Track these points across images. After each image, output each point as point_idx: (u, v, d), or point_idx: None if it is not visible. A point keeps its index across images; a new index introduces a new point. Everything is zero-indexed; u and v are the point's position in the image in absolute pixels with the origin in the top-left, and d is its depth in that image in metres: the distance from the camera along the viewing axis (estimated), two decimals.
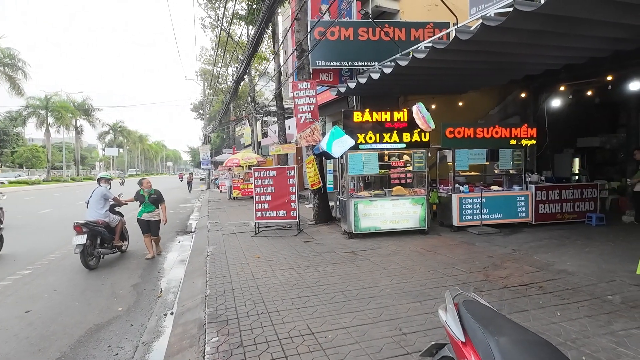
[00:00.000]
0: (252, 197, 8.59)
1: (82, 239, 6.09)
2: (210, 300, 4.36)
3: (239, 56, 19.80)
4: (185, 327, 3.83)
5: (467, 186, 8.11)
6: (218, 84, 29.78)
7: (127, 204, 7.48)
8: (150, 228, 7.10)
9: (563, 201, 8.34)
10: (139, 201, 7.15)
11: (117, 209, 7.44)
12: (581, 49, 5.99)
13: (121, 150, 73.67)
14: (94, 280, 5.85)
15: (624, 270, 4.95)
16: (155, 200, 7.11)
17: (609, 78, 8.51)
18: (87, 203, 6.91)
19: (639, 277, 4.64)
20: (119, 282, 5.70)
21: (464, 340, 1.61)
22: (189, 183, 26.46)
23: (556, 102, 10.12)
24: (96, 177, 7.63)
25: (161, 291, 5.31)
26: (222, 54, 19.73)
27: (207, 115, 35.11)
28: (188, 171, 30.03)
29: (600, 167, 11.70)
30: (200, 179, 40.44)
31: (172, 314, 4.43)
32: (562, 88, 9.69)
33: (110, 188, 7.31)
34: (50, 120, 45.15)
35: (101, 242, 6.68)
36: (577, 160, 12.26)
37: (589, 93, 9.71)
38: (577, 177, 10.54)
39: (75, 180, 48.40)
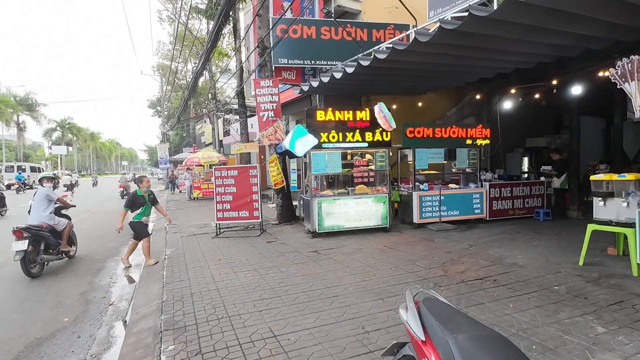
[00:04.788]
0: (214, 197, 8.32)
1: (23, 244, 5.58)
2: (167, 306, 4.15)
3: (198, 51, 19.15)
4: (139, 335, 3.61)
5: (426, 184, 8.36)
6: (177, 80, 28.67)
7: (75, 206, 6.95)
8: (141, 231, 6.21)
9: (514, 198, 8.85)
10: (136, 203, 6.17)
11: (63, 211, 6.91)
12: (530, 54, 6.36)
13: (70, 148, 68.79)
14: (36, 289, 5.38)
15: (568, 261, 5.32)
16: (153, 200, 6.35)
17: (554, 82, 9.11)
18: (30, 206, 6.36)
19: (581, 268, 5.01)
20: (66, 291, 5.28)
21: (424, 339, 1.62)
22: (172, 182, 23.48)
23: (507, 104, 10.70)
24: (38, 177, 6.95)
25: (113, 299, 4.99)
26: (180, 49, 19.00)
27: (166, 112, 33.74)
28: (170, 169, 26.12)
29: (546, 165, 12.52)
30: (159, 179, 38.77)
31: (124, 322, 4.17)
32: (512, 91, 10.25)
33: (54, 188, 6.76)
34: None
35: (45, 247, 6.14)
36: (526, 159, 13.06)
37: (537, 96, 10.35)
38: (526, 175, 11.22)
39: None
